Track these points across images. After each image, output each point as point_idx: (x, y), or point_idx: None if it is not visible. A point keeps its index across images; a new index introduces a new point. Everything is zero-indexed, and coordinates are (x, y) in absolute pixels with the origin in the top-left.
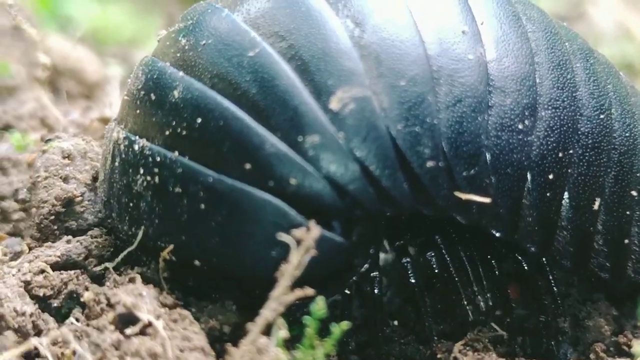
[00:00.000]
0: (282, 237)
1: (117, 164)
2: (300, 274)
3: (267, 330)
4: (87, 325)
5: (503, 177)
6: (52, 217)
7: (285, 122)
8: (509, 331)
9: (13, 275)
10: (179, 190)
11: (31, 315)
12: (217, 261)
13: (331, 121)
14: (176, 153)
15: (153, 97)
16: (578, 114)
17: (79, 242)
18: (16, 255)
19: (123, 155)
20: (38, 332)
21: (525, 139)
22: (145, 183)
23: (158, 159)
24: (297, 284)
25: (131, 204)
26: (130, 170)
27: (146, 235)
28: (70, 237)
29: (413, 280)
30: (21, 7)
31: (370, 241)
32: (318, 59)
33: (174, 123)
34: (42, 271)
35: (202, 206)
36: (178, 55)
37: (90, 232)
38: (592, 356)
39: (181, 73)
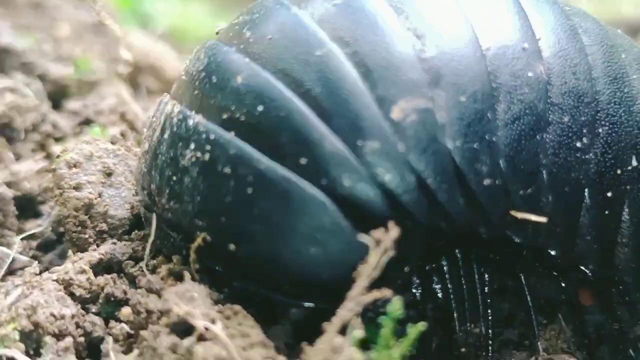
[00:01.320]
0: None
1: (166, 136)
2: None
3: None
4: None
5: (561, 195)
6: (79, 228)
7: (347, 124)
8: (585, 337)
9: (53, 280)
10: (228, 170)
11: (73, 317)
12: (252, 248)
13: (392, 130)
14: (232, 134)
15: (214, 79)
16: (636, 128)
17: (118, 242)
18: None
19: (175, 129)
20: (85, 334)
21: (583, 157)
22: (194, 158)
23: (212, 136)
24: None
25: (175, 177)
26: (180, 144)
27: (185, 211)
28: (108, 238)
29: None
30: (104, 4)
31: (418, 251)
32: (382, 67)
33: (233, 107)
34: (83, 271)
35: (249, 190)
36: (242, 46)
37: (123, 232)
38: None
39: (247, 59)
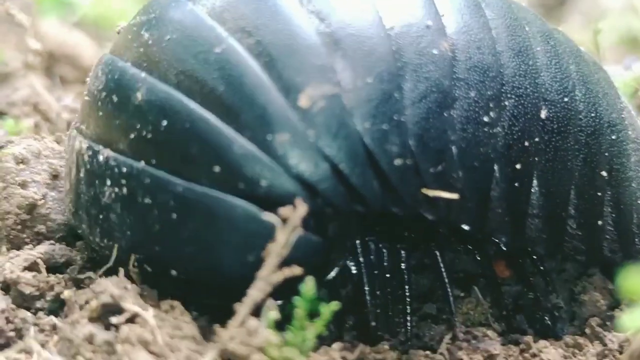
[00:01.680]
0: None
1: (82, 175)
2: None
3: (257, 313)
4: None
5: (470, 171)
6: (19, 227)
7: (254, 120)
8: (503, 308)
9: None
10: (148, 200)
11: (3, 311)
12: (193, 270)
13: (300, 119)
14: (142, 163)
15: (115, 99)
16: (542, 99)
17: (55, 245)
18: None
19: (88, 167)
20: (16, 329)
21: (490, 131)
22: (113, 195)
23: (124, 169)
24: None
25: (101, 216)
26: (97, 182)
27: (119, 248)
28: (44, 240)
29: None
30: None
31: (346, 236)
32: (286, 55)
33: (138, 127)
34: (31, 269)
35: (174, 216)
36: (141, 50)
37: (62, 236)
38: (587, 331)
39: (144, 74)
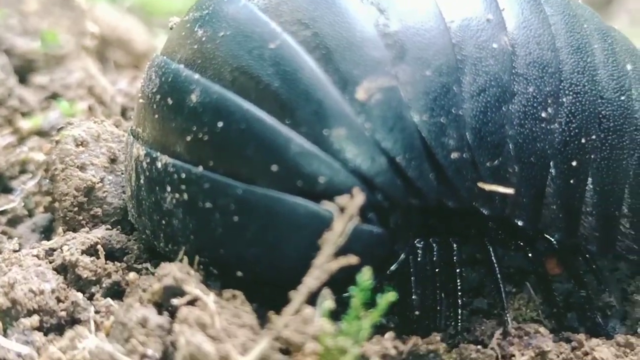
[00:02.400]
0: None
1: (142, 181)
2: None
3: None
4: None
5: (526, 166)
6: (76, 209)
7: (310, 116)
8: (554, 305)
9: (33, 255)
10: (209, 205)
11: (53, 291)
12: (259, 271)
13: (357, 112)
14: (200, 168)
15: (170, 102)
16: (599, 97)
17: (112, 230)
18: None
19: (147, 173)
20: (67, 309)
21: (548, 127)
22: (174, 201)
23: (183, 175)
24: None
25: (163, 222)
26: (157, 189)
27: (184, 252)
28: (100, 224)
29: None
30: None
31: (409, 227)
32: (343, 48)
33: (194, 130)
34: (90, 253)
35: (236, 218)
36: (194, 48)
37: (117, 220)
38: None
39: (197, 75)
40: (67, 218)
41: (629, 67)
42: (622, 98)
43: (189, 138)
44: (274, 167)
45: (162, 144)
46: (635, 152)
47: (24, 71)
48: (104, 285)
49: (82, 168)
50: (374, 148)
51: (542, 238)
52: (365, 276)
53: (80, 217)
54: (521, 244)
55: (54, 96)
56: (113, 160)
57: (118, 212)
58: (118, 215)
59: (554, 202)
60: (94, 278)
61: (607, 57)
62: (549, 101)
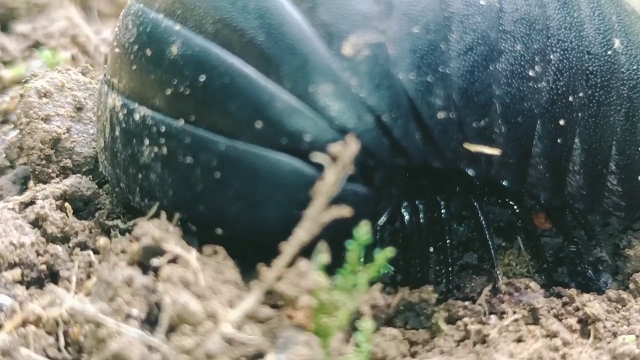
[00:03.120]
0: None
1: (117, 133)
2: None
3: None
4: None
5: (513, 126)
6: (44, 162)
7: (295, 71)
8: (544, 260)
9: (9, 209)
10: (190, 160)
11: (33, 244)
12: (239, 228)
13: (343, 68)
14: (181, 121)
15: (148, 53)
16: (585, 53)
17: (82, 178)
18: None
19: (124, 125)
20: (47, 263)
21: (535, 86)
22: (152, 154)
23: (163, 128)
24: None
25: (140, 176)
26: (134, 141)
27: (161, 206)
28: (71, 174)
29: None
30: None
31: (392, 185)
32: (330, 1)
33: (174, 83)
34: (61, 208)
35: (217, 174)
36: (168, 8)
37: (88, 169)
38: (631, 286)
39: (178, 26)
40: (37, 172)
41: (614, 18)
42: (609, 53)
43: (169, 91)
44: (258, 124)
45: (141, 96)
46: (622, 107)
47: (5, 19)
48: (71, 244)
49: (46, 120)
50: (360, 105)
51: (529, 196)
52: (363, 230)
53: (50, 170)
54: (508, 201)
55: (37, 45)
56: (79, 109)
57: (89, 161)
58: (89, 165)
59: (541, 162)
60: (60, 235)
61: (592, 10)
62: (537, 59)
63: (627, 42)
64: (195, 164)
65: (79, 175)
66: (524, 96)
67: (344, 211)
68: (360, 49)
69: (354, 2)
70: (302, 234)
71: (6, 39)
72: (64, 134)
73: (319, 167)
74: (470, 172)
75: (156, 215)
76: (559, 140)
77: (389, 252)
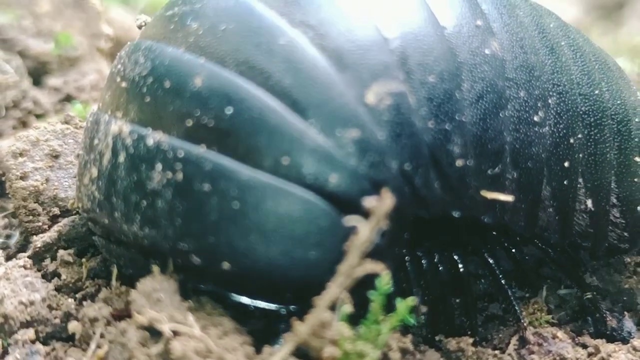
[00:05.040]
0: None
1: (121, 159)
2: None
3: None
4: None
5: (524, 172)
6: (31, 217)
7: (324, 115)
8: (587, 289)
9: (19, 266)
10: (208, 187)
11: (44, 300)
12: (249, 263)
13: (368, 116)
14: (203, 147)
15: (167, 85)
16: (577, 94)
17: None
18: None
19: (132, 151)
20: (61, 316)
21: (540, 131)
22: (165, 180)
23: (181, 153)
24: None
25: (145, 202)
26: (144, 166)
27: (165, 236)
28: (62, 219)
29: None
30: None
31: (399, 240)
32: (351, 50)
33: (197, 114)
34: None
35: (235, 205)
36: (191, 40)
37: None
38: None
39: (202, 59)
40: (29, 229)
41: (592, 57)
42: (596, 92)
43: (190, 121)
44: (285, 159)
45: (155, 122)
46: (615, 141)
47: (38, 73)
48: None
49: (24, 177)
50: (385, 153)
51: (539, 239)
52: (384, 280)
53: (40, 223)
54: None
55: (68, 98)
56: (56, 157)
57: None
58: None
59: (551, 205)
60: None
61: (574, 53)
62: (539, 104)
63: (607, 79)
64: (213, 192)
65: (69, 217)
66: (531, 141)
67: (378, 267)
68: (383, 98)
69: (373, 51)
70: (335, 289)
71: (39, 92)
72: (42, 184)
73: (342, 210)
74: (486, 219)
75: (149, 251)
76: (565, 182)
77: (411, 301)
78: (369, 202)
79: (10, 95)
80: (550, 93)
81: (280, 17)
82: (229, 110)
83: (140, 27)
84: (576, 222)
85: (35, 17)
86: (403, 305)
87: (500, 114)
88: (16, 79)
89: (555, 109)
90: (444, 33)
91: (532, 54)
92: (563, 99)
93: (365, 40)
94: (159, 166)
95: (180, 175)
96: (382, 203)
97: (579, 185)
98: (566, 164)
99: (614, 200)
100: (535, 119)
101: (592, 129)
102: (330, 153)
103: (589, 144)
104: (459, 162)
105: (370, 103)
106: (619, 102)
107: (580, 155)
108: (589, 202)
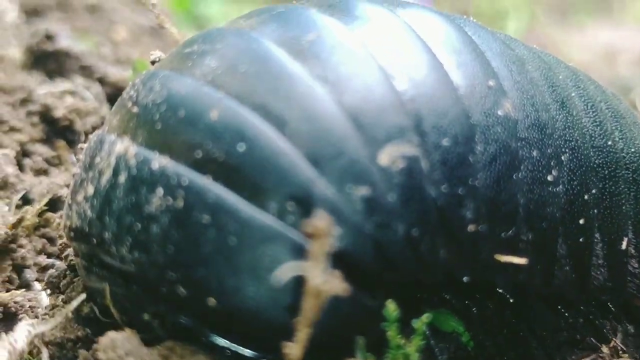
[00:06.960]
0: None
1: (122, 179)
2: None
3: None
4: None
5: (539, 233)
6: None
7: (337, 168)
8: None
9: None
10: (207, 219)
11: None
12: (235, 302)
13: (380, 176)
14: (209, 178)
15: (181, 114)
16: (590, 147)
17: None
18: None
19: (134, 172)
20: None
21: (554, 190)
22: (164, 205)
23: (185, 181)
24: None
25: (139, 225)
26: (144, 189)
27: (153, 263)
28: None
29: None
30: (161, 7)
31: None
32: (367, 109)
33: (209, 146)
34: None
35: (232, 241)
36: (209, 77)
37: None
38: None
39: (220, 93)
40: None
41: (603, 105)
42: (609, 143)
43: (201, 151)
44: (291, 205)
45: (162, 147)
46: (631, 191)
47: (116, 99)
48: None
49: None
50: (394, 215)
51: (555, 297)
52: (391, 308)
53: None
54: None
55: None
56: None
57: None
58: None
59: (567, 263)
60: None
61: (586, 104)
62: (552, 163)
63: (620, 127)
64: (211, 225)
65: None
66: (545, 202)
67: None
68: (396, 160)
69: (390, 113)
70: (300, 338)
71: None
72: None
73: (338, 265)
74: (500, 282)
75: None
76: (581, 240)
77: (426, 318)
78: (309, 226)
79: (90, 122)
80: (563, 150)
81: (302, 68)
82: (241, 147)
83: (153, 62)
84: (594, 277)
85: (113, 44)
86: (419, 323)
87: (514, 176)
88: (96, 105)
89: (568, 165)
90: (458, 94)
91: (544, 111)
92: (576, 154)
93: (382, 100)
94: (160, 190)
95: (180, 203)
96: (320, 241)
97: (595, 240)
98: (581, 221)
99: (632, 251)
100: (549, 178)
101: (607, 181)
102: (338, 207)
103: (603, 197)
104: (472, 227)
105: (383, 164)
106: (633, 149)
107: (596, 210)
108: (607, 256)
